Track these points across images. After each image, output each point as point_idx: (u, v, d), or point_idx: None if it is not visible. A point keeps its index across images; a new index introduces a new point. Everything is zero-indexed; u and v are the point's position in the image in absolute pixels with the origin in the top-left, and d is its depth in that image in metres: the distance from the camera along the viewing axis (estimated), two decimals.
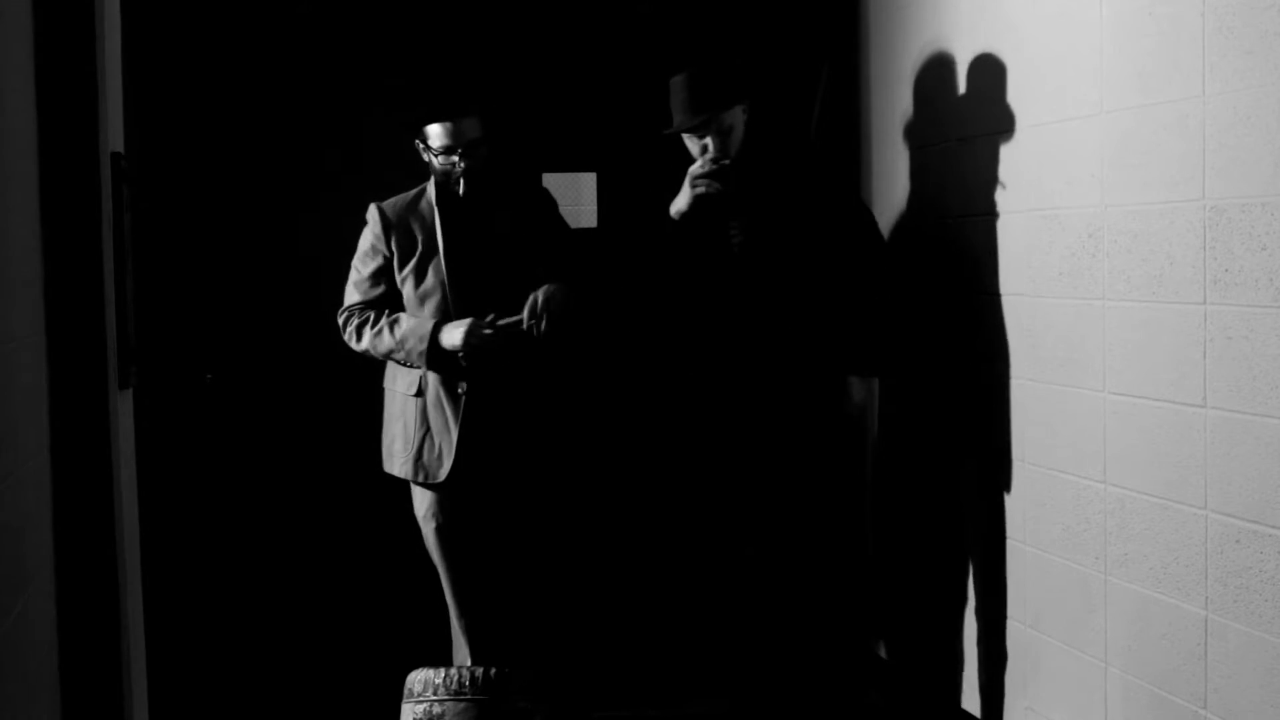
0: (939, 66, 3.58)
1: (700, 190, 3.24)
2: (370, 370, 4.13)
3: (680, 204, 3.29)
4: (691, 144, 3.32)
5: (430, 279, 3.47)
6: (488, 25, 4.24)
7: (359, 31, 4.14)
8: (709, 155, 3.26)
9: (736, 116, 3.29)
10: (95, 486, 2.17)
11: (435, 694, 3.12)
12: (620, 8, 4.31)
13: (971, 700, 3.49)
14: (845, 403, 3.34)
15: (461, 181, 3.44)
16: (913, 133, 3.76)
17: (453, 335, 3.38)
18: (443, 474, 3.46)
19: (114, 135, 2.28)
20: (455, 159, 3.43)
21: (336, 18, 4.12)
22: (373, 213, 3.56)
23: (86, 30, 2.15)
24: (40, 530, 2.00)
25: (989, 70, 3.30)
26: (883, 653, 4.03)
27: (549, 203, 3.66)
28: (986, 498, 3.37)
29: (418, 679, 3.18)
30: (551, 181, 4.37)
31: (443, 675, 3.14)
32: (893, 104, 3.89)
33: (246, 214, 4.08)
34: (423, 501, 3.55)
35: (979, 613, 3.44)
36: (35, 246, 2.02)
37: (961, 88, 3.46)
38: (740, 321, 3.31)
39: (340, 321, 3.56)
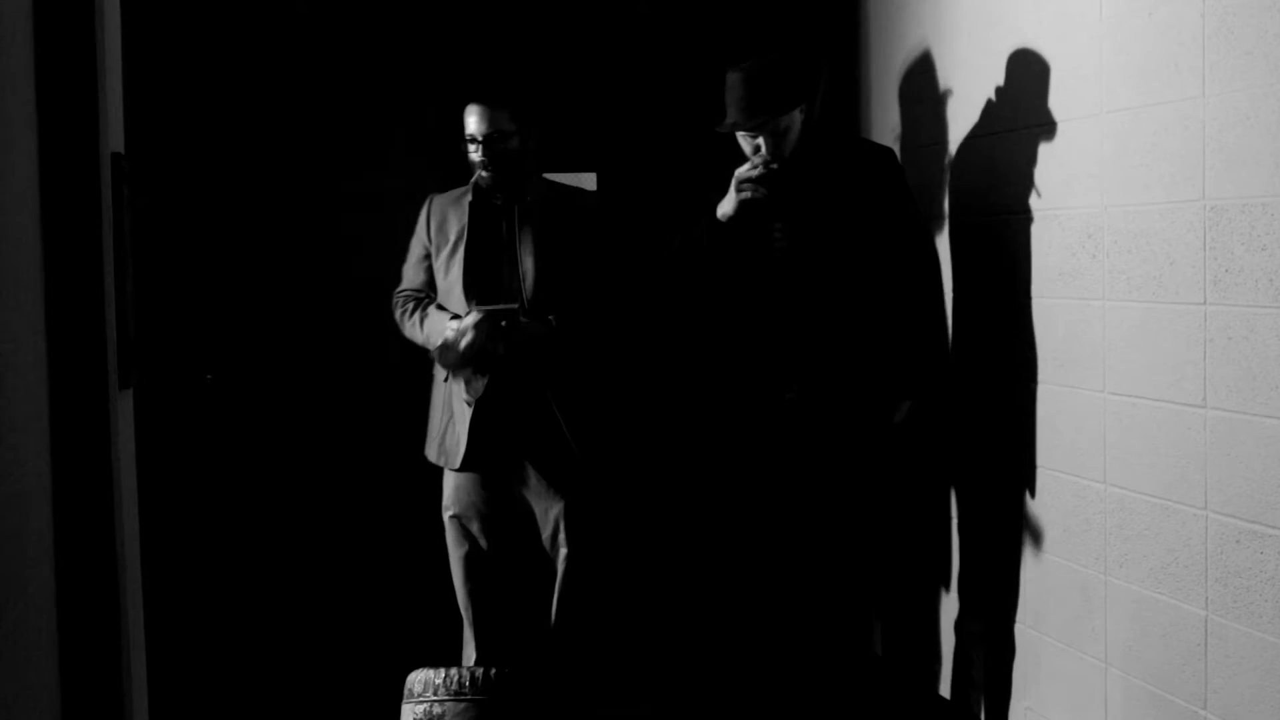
0: (938, 67, 3.58)
1: (746, 195, 3.15)
2: (373, 369, 4.13)
3: (726, 208, 3.21)
4: (744, 142, 3.23)
5: (454, 272, 3.47)
6: (488, 24, 4.24)
7: (358, 31, 4.14)
8: (760, 157, 3.17)
9: (794, 118, 3.20)
10: (95, 486, 2.17)
11: (435, 694, 3.12)
12: (620, 8, 4.31)
13: (972, 700, 3.49)
14: (891, 420, 3.29)
15: (480, 173, 3.43)
16: (911, 133, 3.76)
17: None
18: (458, 460, 3.47)
19: (114, 135, 2.28)
20: (478, 148, 3.42)
21: (336, 17, 4.12)
22: (426, 202, 3.61)
23: (86, 30, 2.14)
24: (40, 530, 2.00)
25: (989, 71, 3.30)
26: (881, 652, 4.03)
27: (591, 207, 3.60)
28: (988, 498, 3.37)
29: (418, 679, 3.18)
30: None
31: (443, 675, 3.14)
32: (892, 104, 3.89)
33: (247, 213, 4.08)
34: (446, 490, 3.57)
35: (981, 612, 3.44)
36: (35, 246, 2.02)
37: (961, 88, 3.45)
38: (782, 322, 3.27)
39: (392, 305, 3.63)
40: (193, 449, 4.03)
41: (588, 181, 4.41)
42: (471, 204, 3.49)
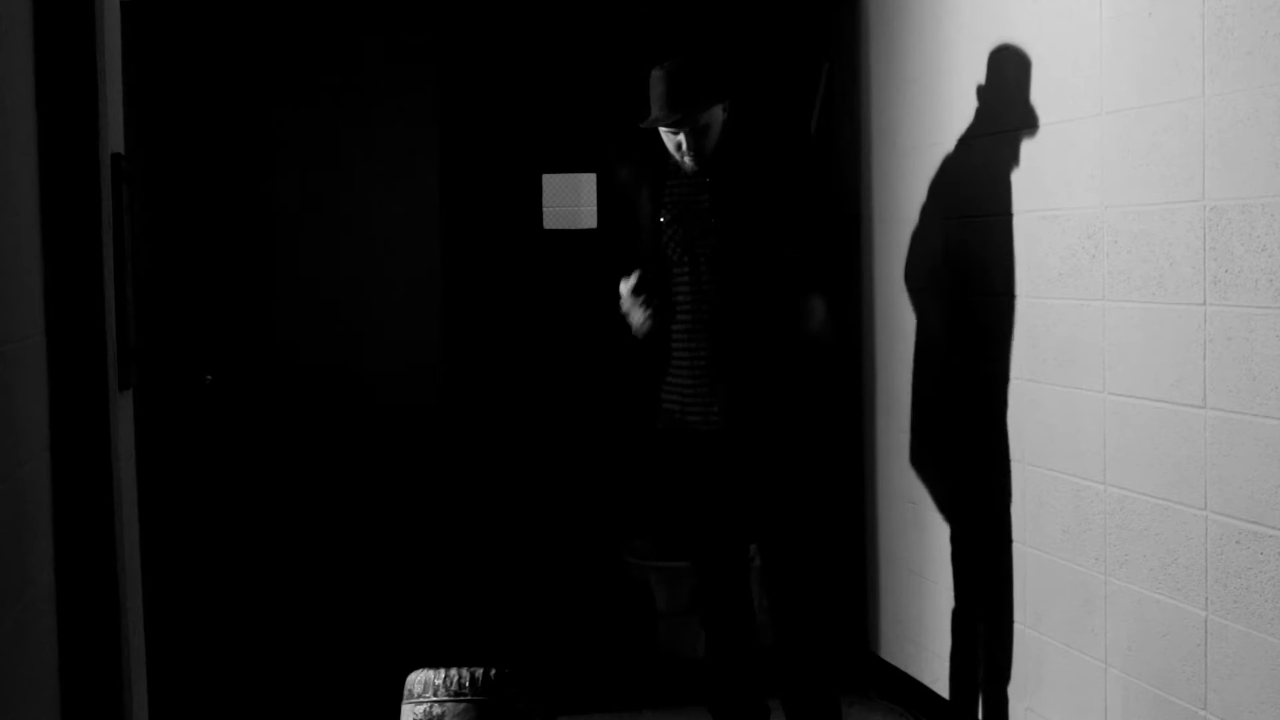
0: (939, 67, 3.58)
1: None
2: (372, 369, 4.13)
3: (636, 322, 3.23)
4: (667, 138, 3.24)
5: None
6: (489, 25, 4.25)
7: (359, 32, 4.14)
8: (682, 151, 3.19)
9: (715, 115, 3.20)
10: (95, 486, 2.16)
11: (435, 695, 3.12)
12: (620, 8, 4.31)
13: (973, 700, 3.49)
14: (809, 324, 3.25)
15: None
16: (913, 133, 3.76)
17: None
18: None
19: (114, 136, 2.28)
20: None
21: (337, 17, 4.13)
22: None
23: (87, 30, 2.14)
24: (40, 531, 2.00)
25: (989, 71, 3.30)
26: (883, 653, 4.03)
27: None
28: (988, 498, 3.37)
29: (418, 679, 3.17)
30: (551, 182, 4.37)
31: (443, 676, 3.13)
32: (893, 104, 3.89)
33: (246, 214, 4.09)
34: None
35: (981, 613, 3.44)
36: (35, 246, 2.02)
37: (961, 88, 3.46)
38: (709, 323, 3.24)
39: None
40: (193, 450, 4.03)
41: (588, 181, 4.41)
42: None
